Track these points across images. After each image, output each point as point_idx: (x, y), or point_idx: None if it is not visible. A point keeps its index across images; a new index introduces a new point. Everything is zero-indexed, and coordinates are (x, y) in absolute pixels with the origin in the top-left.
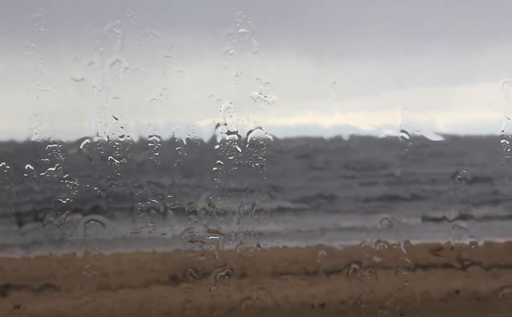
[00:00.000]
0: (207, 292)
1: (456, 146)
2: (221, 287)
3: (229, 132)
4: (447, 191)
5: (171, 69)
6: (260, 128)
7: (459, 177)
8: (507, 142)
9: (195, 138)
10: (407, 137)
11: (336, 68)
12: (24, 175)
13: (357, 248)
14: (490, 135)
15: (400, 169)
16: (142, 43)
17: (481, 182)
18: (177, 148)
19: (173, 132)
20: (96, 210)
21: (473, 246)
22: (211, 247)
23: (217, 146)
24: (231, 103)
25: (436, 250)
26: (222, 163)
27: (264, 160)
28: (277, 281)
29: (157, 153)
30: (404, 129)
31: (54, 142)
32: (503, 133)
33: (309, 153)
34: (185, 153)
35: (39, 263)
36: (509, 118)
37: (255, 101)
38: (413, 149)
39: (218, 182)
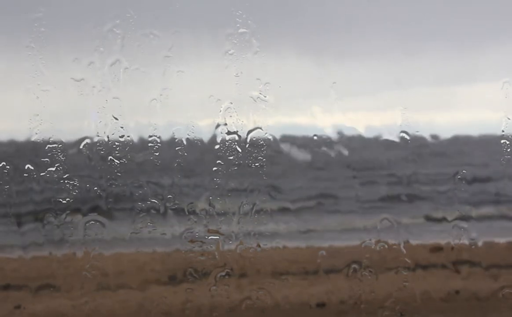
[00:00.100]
0: (207, 292)
1: (456, 146)
2: (221, 287)
3: (229, 132)
4: (447, 191)
5: (171, 69)
6: (260, 128)
7: (459, 177)
8: (507, 142)
9: (195, 138)
10: (407, 137)
11: (336, 68)
12: (24, 175)
13: (357, 248)
14: (490, 135)
15: (400, 169)
16: (142, 43)
17: (481, 182)
18: (177, 148)
19: (173, 132)
20: (96, 210)
21: (473, 246)
22: (211, 247)
23: (217, 146)
24: (231, 103)
25: (436, 250)
26: (222, 163)
27: (264, 160)
28: (277, 281)
29: (157, 153)
30: (404, 129)
31: (54, 142)
32: (503, 133)
33: (309, 153)
34: (185, 153)
35: (39, 263)
36: (509, 118)
37: (255, 101)
38: (413, 149)
39: (218, 182)
